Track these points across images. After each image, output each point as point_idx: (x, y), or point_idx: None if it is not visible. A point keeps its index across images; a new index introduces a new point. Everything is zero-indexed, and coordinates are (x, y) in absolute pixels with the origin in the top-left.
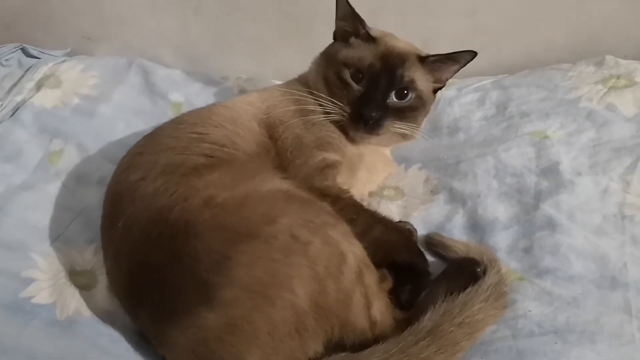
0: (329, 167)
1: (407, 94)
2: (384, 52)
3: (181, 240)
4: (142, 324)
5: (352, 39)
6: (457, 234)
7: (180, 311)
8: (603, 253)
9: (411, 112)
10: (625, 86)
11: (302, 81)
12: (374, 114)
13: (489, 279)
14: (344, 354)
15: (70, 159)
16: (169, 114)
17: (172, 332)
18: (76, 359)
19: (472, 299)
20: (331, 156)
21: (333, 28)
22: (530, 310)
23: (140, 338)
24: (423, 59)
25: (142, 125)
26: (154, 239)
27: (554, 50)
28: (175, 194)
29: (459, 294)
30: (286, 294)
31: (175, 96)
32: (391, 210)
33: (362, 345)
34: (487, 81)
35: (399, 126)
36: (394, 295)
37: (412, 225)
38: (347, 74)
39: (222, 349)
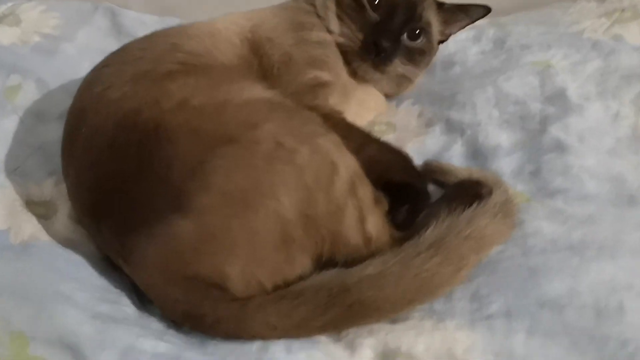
0: (320, 86)
1: (420, 35)
2: None
3: (151, 146)
4: (107, 240)
5: None
6: (457, 163)
7: (150, 220)
8: (618, 173)
9: (419, 56)
10: (631, 18)
11: (306, 7)
12: (387, 46)
13: (496, 197)
14: (335, 269)
15: (28, 94)
16: None
17: (141, 244)
18: (32, 282)
19: (479, 215)
20: (324, 75)
21: None
22: (541, 229)
23: (106, 264)
24: (440, 5)
25: None
26: (121, 147)
27: None
28: (146, 97)
29: (463, 210)
30: (270, 202)
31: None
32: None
33: (356, 263)
34: (482, 21)
35: (403, 68)
36: (390, 217)
37: (406, 154)
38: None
39: (198, 260)
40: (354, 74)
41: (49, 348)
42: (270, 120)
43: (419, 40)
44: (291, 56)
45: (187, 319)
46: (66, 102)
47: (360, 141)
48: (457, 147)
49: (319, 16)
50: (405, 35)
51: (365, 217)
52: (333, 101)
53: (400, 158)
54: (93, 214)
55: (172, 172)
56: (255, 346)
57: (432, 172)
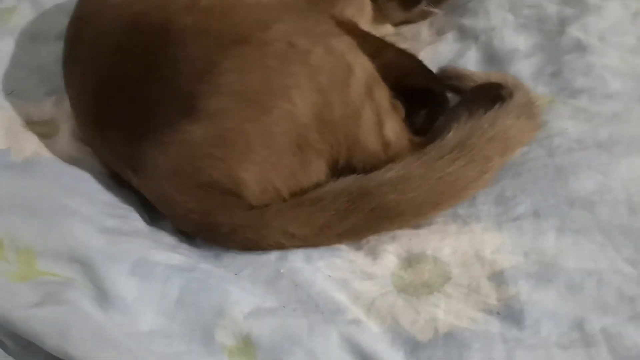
0: None
1: None
2: None
3: (159, 48)
4: (114, 150)
5: None
6: (472, 68)
7: (159, 127)
8: None
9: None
10: None
11: None
12: None
13: (517, 98)
14: (354, 175)
15: (24, 16)
16: None
17: (151, 152)
18: (37, 197)
19: (502, 116)
20: None
21: None
22: (566, 129)
23: (113, 181)
24: None
25: None
26: (127, 50)
27: None
28: (152, 0)
29: (485, 112)
30: (284, 104)
31: None
32: None
33: (374, 169)
34: None
35: (426, 7)
36: (408, 122)
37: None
38: None
39: (211, 165)
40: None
41: (58, 262)
42: (282, 21)
43: None
44: None
45: (202, 230)
46: (63, 22)
47: (376, 46)
48: (472, 53)
49: None
50: None
51: (383, 121)
52: (349, 14)
53: (417, 63)
54: (99, 122)
55: (181, 75)
56: (273, 256)
57: (448, 77)
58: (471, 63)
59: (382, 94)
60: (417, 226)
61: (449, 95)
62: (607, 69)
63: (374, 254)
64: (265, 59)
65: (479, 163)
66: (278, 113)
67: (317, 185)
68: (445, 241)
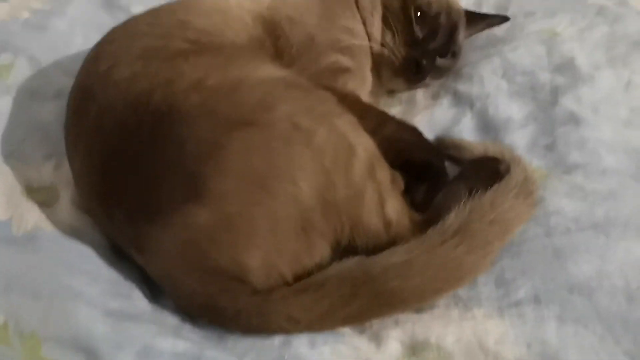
0: (341, 71)
1: (452, 56)
2: (448, 5)
3: (164, 127)
4: (119, 228)
5: None
6: (468, 137)
7: (164, 208)
8: (636, 146)
9: (446, 71)
10: None
11: None
12: (427, 66)
13: (515, 176)
14: (357, 257)
15: (21, 73)
16: None
17: (155, 234)
18: (40, 277)
19: (501, 196)
20: (346, 61)
21: None
22: (563, 207)
23: (114, 254)
24: (465, 13)
25: None
26: (132, 129)
27: None
28: (157, 77)
29: (484, 192)
30: (288, 187)
31: (138, 8)
32: None
33: (376, 249)
34: None
35: (430, 82)
36: (408, 197)
37: (416, 127)
38: (413, 13)
39: (217, 250)
40: (377, 77)
41: (63, 349)
42: (285, 100)
43: (449, 60)
44: (314, 37)
45: (205, 312)
46: (61, 80)
47: (377, 120)
48: (467, 120)
49: (358, 8)
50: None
51: (385, 201)
52: (351, 86)
53: (417, 136)
54: (104, 199)
55: (187, 156)
56: (277, 340)
57: (446, 148)
58: (467, 131)
59: (384, 172)
60: (419, 309)
61: (447, 165)
62: (601, 144)
63: (377, 339)
64: (270, 140)
65: (481, 248)
66: (283, 197)
67: (321, 267)
68: (448, 328)
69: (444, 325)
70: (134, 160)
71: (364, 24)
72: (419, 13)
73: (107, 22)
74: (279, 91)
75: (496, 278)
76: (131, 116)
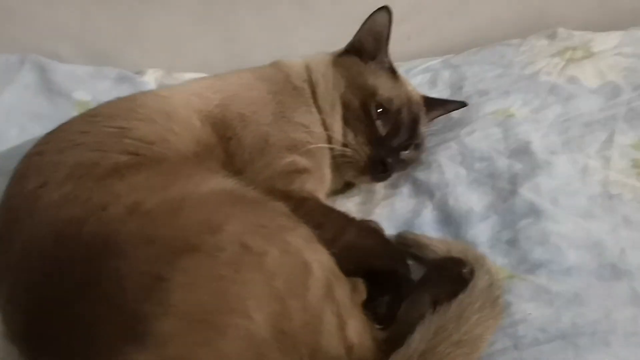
0: (298, 172)
1: (415, 148)
2: (408, 98)
3: (99, 261)
4: None
5: (372, 64)
6: (429, 230)
7: (101, 354)
8: (597, 240)
9: (410, 163)
10: (583, 57)
11: (294, 84)
12: (393, 165)
13: (479, 282)
14: None
15: None
16: (73, 113)
17: None
18: None
19: (467, 309)
20: (303, 162)
21: (255, 13)
22: (529, 313)
23: None
24: (425, 100)
25: (41, 130)
26: (63, 263)
27: (500, 26)
28: (89, 202)
29: (449, 304)
30: (239, 320)
31: (81, 94)
32: (349, 208)
33: None
34: (434, 61)
35: (395, 175)
36: (369, 309)
37: (377, 223)
38: (374, 110)
39: None
40: (337, 173)
41: None
42: (233, 218)
43: (413, 152)
44: (268, 138)
45: None
46: None
47: (336, 228)
48: (428, 212)
49: (316, 107)
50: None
51: (345, 323)
52: (309, 187)
53: (379, 242)
54: (31, 341)
55: (125, 293)
56: None
57: (408, 246)
58: (428, 224)
59: (342, 289)
60: None
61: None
62: (563, 238)
63: None
64: (218, 268)
65: None
66: (233, 333)
67: None
68: None
69: None
70: (65, 301)
71: (324, 124)
72: (380, 110)
73: (46, 110)
74: (226, 208)
75: None
76: (61, 249)
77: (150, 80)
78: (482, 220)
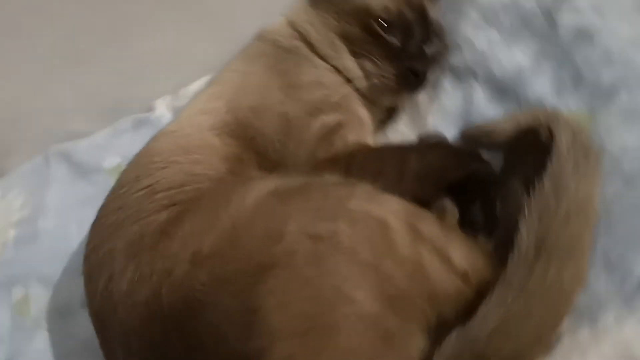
0: (332, 131)
1: (438, 35)
2: None
3: (191, 323)
4: None
5: None
6: (489, 112)
7: None
8: None
9: (440, 55)
10: None
11: (285, 47)
12: (424, 67)
13: (562, 140)
14: (454, 333)
15: (39, 299)
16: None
17: None
18: None
19: (561, 177)
20: (332, 118)
21: None
22: (625, 142)
23: None
24: None
25: (94, 211)
26: (160, 342)
27: None
28: (154, 276)
29: (541, 181)
30: (344, 309)
31: (109, 161)
32: (402, 131)
33: (467, 307)
34: None
35: (432, 76)
36: (467, 224)
37: (436, 133)
38: (377, 27)
39: None
40: (376, 107)
41: None
42: (289, 217)
43: (437, 42)
44: (287, 117)
45: None
46: (80, 284)
47: (396, 163)
48: (479, 94)
49: (318, 56)
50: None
51: (447, 255)
52: (353, 138)
53: (446, 152)
54: None
55: (228, 341)
56: None
57: (475, 140)
58: (484, 106)
59: (428, 224)
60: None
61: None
62: (624, 44)
63: None
64: (299, 272)
65: (571, 255)
66: (345, 324)
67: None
68: (588, 356)
69: (582, 355)
70: None
71: (335, 69)
72: (383, 23)
73: (89, 192)
74: (277, 210)
75: (604, 266)
76: (153, 333)
77: (164, 111)
78: (535, 73)
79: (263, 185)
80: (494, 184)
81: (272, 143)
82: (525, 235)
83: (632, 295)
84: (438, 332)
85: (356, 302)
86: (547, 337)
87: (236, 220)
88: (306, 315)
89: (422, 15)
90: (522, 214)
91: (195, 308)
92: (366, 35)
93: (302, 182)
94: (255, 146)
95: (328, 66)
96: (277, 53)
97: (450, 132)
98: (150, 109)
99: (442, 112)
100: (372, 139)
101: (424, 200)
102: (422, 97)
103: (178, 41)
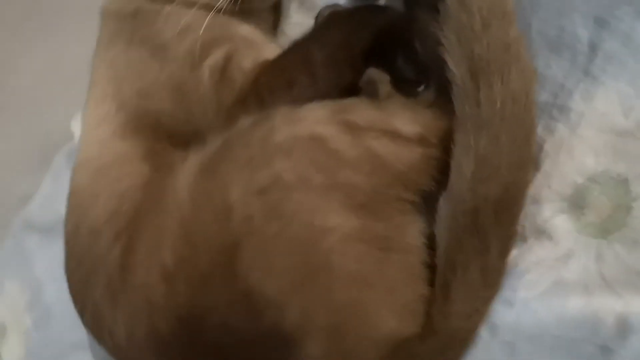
0: (224, 69)
1: None
2: None
3: (200, 337)
4: None
5: None
6: None
7: None
8: None
9: None
10: None
11: (130, 14)
12: None
13: None
14: (441, 200)
15: None
16: None
17: None
18: None
19: None
20: (215, 55)
21: None
22: None
23: None
24: None
25: None
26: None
27: None
28: (138, 311)
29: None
30: (327, 241)
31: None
32: (300, 22)
33: (441, 165)
34: None
35: None
36: (399, 82)
37: (332, 5)
38: None
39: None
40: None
41: None
42: (225, 186)
43: None
44: (174, 81)
45: None
46: None
47: (303, 65)
48: None
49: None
50: None
51: (394, 129)
52: (249, 63)
53: (341, 27)
54: None
55: (242, 330)
56: None
57: None
58: None
59: (360, 110)
60: None
61: None
62: None
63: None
64: (265, 233)
65: (508, 59)
66: (335, 254)
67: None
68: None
69: (569, 152)
70: None
71: (185, 1)
72: None
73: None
74: (212, 187)
75: (548, 47)
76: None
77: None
78: None
79: (187, 170)
80: (404, 27)
81: (175, 116)
82: (454, 66)
83: (588, 63)
84: (429, 204)
85: (333, 228)
86: (526, 155)
87: (180, 219)
88: (295, 269)
89: None
90: (441, 45)
91: (195, 321)
92: None
93: (219, 144)
94: (162, 129)
95: (178, 7)
96: (126, 24)
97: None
98: (71, 134)
99: None
100: (272, 50)
101: (353, 85)
102: None
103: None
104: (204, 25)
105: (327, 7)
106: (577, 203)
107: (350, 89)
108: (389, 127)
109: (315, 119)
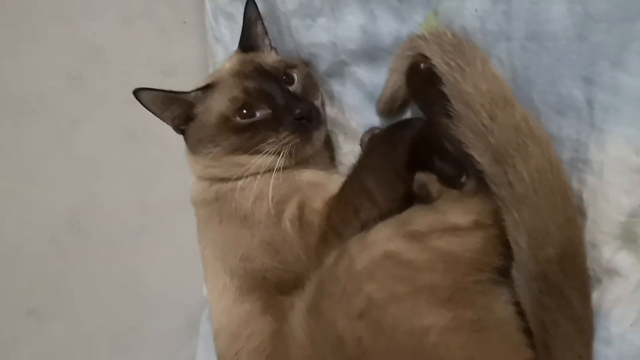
0: (301, 216)
1: (292, 76)
2: (239, 72)
3: None
4: None
5: (195, 110)
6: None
7: None
8: None
9: (311, 88)
10: None
11: (211, 198)
12: (305, 106)
13: (433, 54)
14: (512, 272)
15: None
16: None
17: None
18: None
19: (457, 86)
20: (290, 207)
21: None
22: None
23: None
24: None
25: None
26: None
27: None
28: None
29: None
30: (429, 339)
31: None
32: (350, 150)
33: (503, 239)
34: None
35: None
36: (443, 179)
37: (370, 129)
38: (239, 119)
39: None
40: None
41: None
42: (332, 321)
43: (294, 75)
44: (265, 241)
45: None
46: None
47: (360, 192)
48: (363, 73)
49: (220, 180)
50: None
51: (452, 224)
52: (320, 204)
53: (381, 149)
54: None
55: None
56: None
57: (389, 111)
58: (369, 79)
59: (417, 218)
60: None
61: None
62: None
63: None
64: (374, 348)
65: (521, 138)
66: (439, 348)
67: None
68: (607, 192)
69: (604, 196)
70: None
71: (253, 173)
72: (241, 110)
73: None
74: (323, 326)
75: (553, 110)
76: None
77: None
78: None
79: (298, 315)
80: (431, 132)
81: (276, 269)
82: (479, 157)
83: (590, 117)
84: (505, 275)
85: (431, 326)
86: (569, 211)
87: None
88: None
89: (261, 70)
90: (461, 143)
91: None
92: (244, 132)
93: (315, 286)
94: (269, 283)
95: (248, 179)
96: (213, 207)
97: (374, 116)
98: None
99: (353, 109)
100: (335, 182)
101: (408, 193)
102: (332, 112)
103: None
104: (270, 187)
105: (366, 132)
106: (629, 238)
107: (408, 196)
108: (447, 225)
109: (384, 239)
